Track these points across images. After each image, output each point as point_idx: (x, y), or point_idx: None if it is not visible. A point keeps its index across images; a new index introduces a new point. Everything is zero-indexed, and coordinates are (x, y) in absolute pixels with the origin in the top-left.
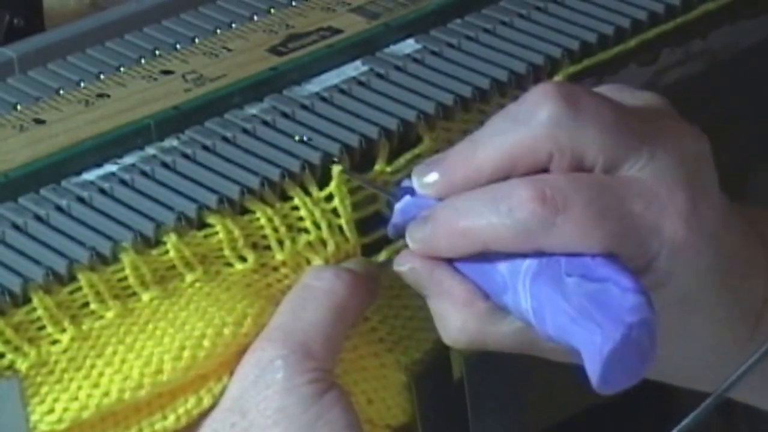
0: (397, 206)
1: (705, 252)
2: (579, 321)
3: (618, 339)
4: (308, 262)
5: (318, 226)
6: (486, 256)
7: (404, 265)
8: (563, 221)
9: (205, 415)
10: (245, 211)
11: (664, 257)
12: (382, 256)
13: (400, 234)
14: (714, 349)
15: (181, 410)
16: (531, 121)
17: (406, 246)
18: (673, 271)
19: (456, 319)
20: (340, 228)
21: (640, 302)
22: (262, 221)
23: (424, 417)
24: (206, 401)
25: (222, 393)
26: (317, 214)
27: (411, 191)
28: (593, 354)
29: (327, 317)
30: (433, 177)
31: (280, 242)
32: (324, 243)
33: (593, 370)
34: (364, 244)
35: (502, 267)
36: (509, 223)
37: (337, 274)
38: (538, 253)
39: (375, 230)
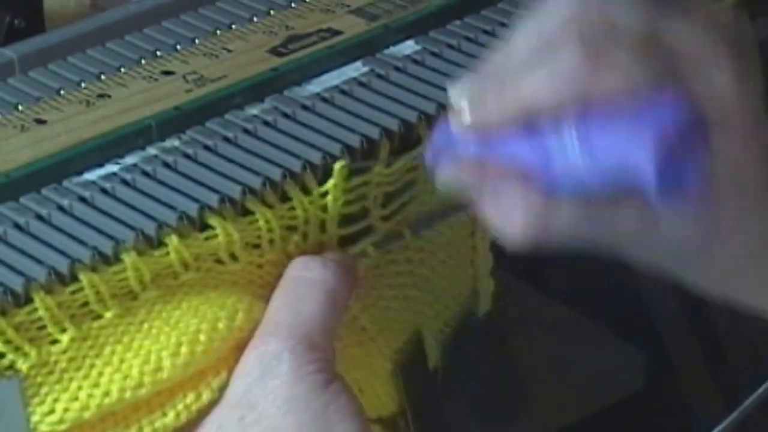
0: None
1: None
2: (625, 128)
3: (670, 120)
4: (288, 256)
5: (307, 222)
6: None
7: (448, 176)
8: (608, 71)
9: (204, 411)
10: (246, 212)
11: (716, 110)
12: (356, 249)
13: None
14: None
15: (180, 406)
16: (558, 11)
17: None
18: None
19: (517, 207)
20: (323, 222)
21: (671, 96)
22: (261, 223)
23: (411, 404)
24: (205, 396)
25: (221, 388)
26: (311, 211)
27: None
28: (643, 152)
29: (323, 306)
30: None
31: (271, 241)
32: (306, 236)
33: (647, 172)
34: (341, 236)
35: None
36: (553, 74)
37: (324, 264)
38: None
39: (353, 224)
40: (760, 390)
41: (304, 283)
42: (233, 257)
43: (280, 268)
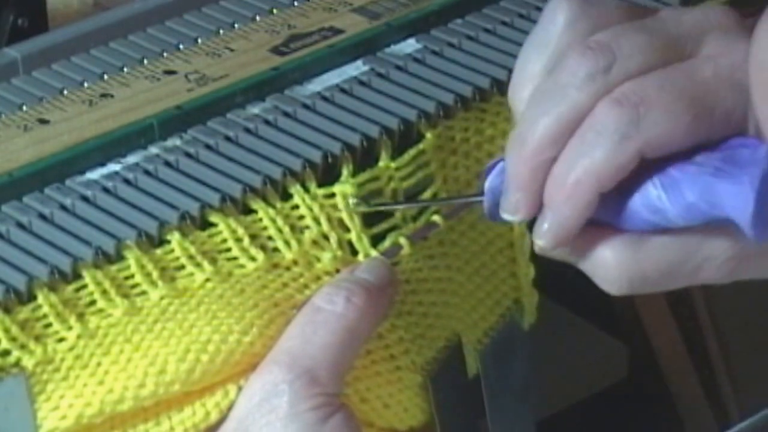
0: (487, 185)
1: None
2: (718, 178)
3: (761, 178)
4: (318, 259)
5: (318, 222)
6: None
7: (540, 240)
8: (646, 111)
9: (210, 429)
10: (248, 210)
11: (760, 107)
12: (388, 243)
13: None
14: None
15: (188, 423)
16: (573, 81)
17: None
18: None
19: (609, 257)
20: (341, 221)
21: (764, 148)
22: (265, 221)
23: (441, 416)
24: (213, 416)
25: (229, 408)
26: (316, 209)
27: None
28: (741, 202)
29: (336, 341)
30: (514, 199)
31: (287, 242)
32: (327, 238)
33: (744, 218)
34: (373, 236)
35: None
36: (603, 143)
37: (349, 298)
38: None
39: (379, 222)
40: (755, 418)
41: (323, 314)
42: (251, 258)
43: (310, 273)
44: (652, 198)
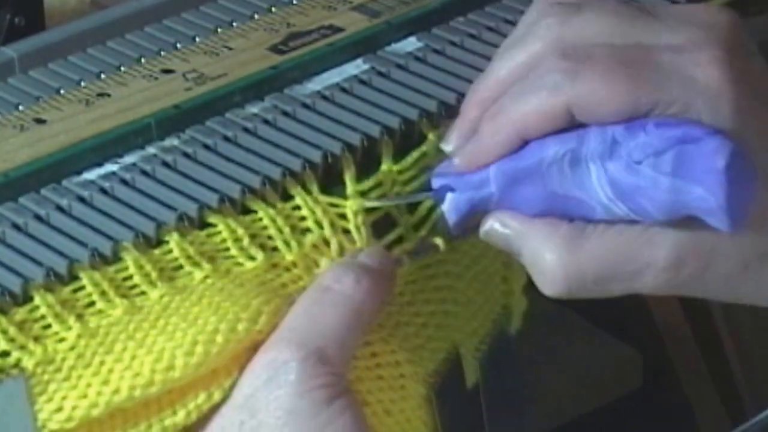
0: (445, 208)
1: (760, 113)
2: (677, 193)
3: (724, 185)
4: (316, 264)
5: (320, 226)
6: (547, 179)
7: (482, 229)
8: (587, 69)
9: (214, 409)
10: (247, 210)
11: (706, 110)
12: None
13: (465, 232)
14: None
15: (191, 405)
16: (535, 30)
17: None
18: (725, 128)
19: (548, 253)
20: (345, 229)
21: (717, 142)
22: (266, 221)
23: (447, 429)
24: (216, 396)
25: (232, 387)
26: (318, 213)
27: (449, 188)
28: (709, 211)
29: (344, 322)
30: (453, 132)
31: (287, 243)
32: (327, 243)
33: (719, 223)
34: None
35: (571, 182)
36: (539, 85)
37: (358, 280)
38: (580, 131)
39: (386, 233)
40: (762, 416)
41: (332, 294)
42: (250, 257)
43: (311, 276)
44: (607, 204)
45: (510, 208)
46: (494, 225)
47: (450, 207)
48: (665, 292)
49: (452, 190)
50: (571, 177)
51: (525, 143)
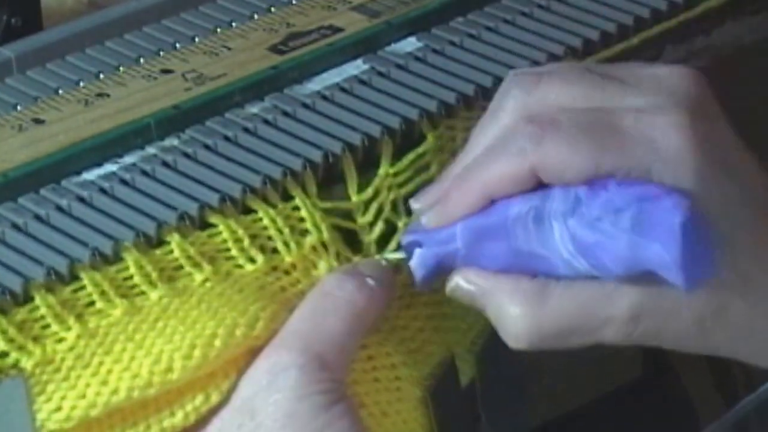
0: (412, 263)
1: (721, 179)
2: (635, 249)
3: (680, 241)
4: (314, 265)
5: (319, 228)
6: (512, 236)
7: (449, 286)
8: (552, 134)
9: (213, 411)
10: (247, 210)
11: (667, 174)
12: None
13: (431, 285)
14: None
15: (189, 407)
16: (503, 105)
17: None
18: (686, 190)
19: (510, 307)
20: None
21: (675, 199)
22: (266, 221)
23: (442, 429)
24: (214, 398)
25: (230, 390)
26: (317, 216)
27: (417, 243)
28: (665, 267)
29: (345, 329)
30: (425, 194)
31: (286, 244)
32: (326, 246)
33: (675, 278)
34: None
35: (534, 239)
36: (505, 149)
37: (359, 287)
38: (545, 189)
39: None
40: (758, 391)
41: (333, 300)
42: (251, 260)
43: (309, 278)
44: (569, 259)
45: (475, 263)
46: (459, 282)
47: (417, 262)
48: (624, 344)
49: (420, 245)
50: (535, 234)
51: (491, 202)
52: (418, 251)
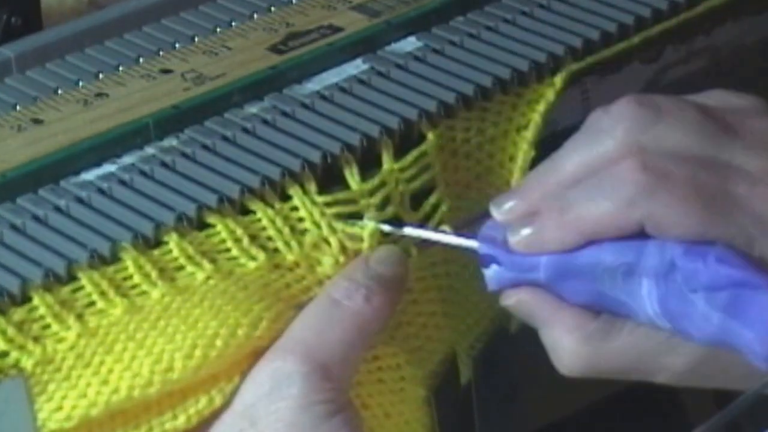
0: (487, 276)
1: None
2: (725, 330)
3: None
4: (319, 262)
5: (318, 226)
6: (598, 281)
7: (511, 298)
8: (663, 190)
9: (215, 414)
10: (246, 211)
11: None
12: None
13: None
14: None
15: (192, 410)
16: (612, 130)
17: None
18: None
19: (568, 342)
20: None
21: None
22: (264, 222)
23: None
24: (217, 401)
25: (232, 393)
26: (316, 213)
27: (495, 260)
28: (753, 353)
29: (351, 340)
30: (510, 203)
31: (287, 243)
32: (328, 242)
33: (760, 364)
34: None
35: (619, 281)
36: (613, 199)
37: (368, 297)
38: (639, 242)
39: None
40: (750, 392)
41: (341, 310)
42: (251, 257)
43: (312, 276)
44: (652, 316)
45: (554, 294)
46: (521, 299)
47: (493, 277)
48: (675, 384)
49: (498, 263)
50: (622, 285)
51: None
52: (495, 268)
